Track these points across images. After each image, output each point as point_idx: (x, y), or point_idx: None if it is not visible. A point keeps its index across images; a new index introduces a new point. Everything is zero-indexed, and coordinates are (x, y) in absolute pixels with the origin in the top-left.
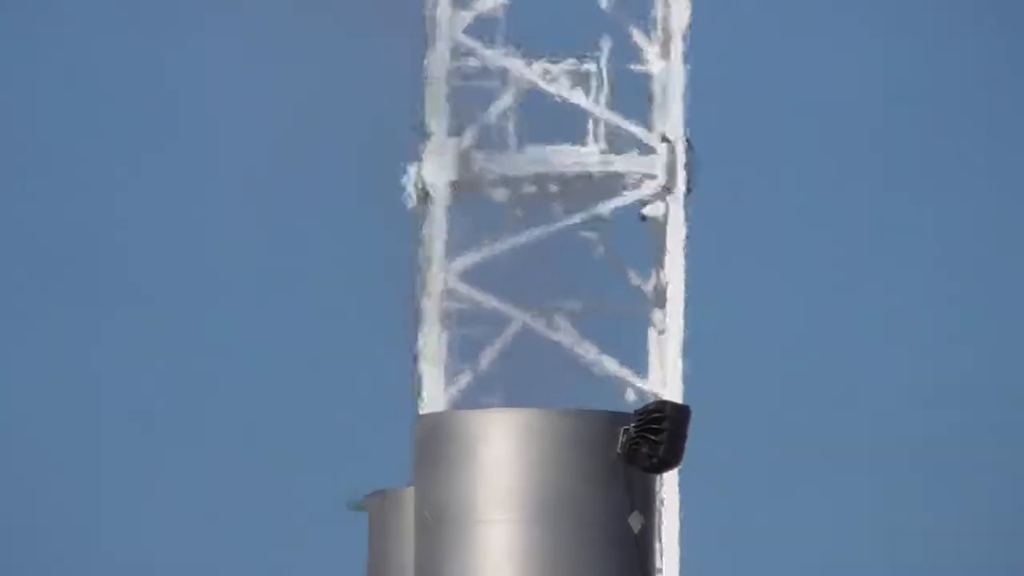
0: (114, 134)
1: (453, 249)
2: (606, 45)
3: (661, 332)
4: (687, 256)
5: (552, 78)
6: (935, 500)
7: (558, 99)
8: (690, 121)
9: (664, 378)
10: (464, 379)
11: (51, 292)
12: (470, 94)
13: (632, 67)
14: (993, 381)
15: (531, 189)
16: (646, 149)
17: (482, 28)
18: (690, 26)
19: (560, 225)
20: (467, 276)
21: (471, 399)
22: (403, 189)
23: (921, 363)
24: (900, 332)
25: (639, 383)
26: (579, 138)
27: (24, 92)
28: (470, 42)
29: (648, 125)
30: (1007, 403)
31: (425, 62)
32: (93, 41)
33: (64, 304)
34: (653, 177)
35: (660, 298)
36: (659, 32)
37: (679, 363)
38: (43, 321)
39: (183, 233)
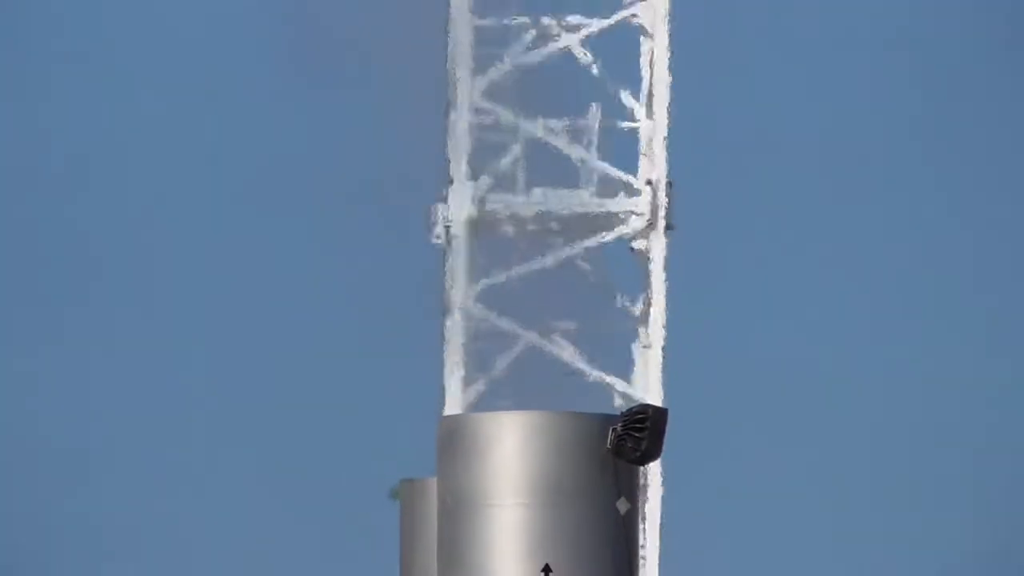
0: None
1: (471, 275)
2: (597, 106)
3: (645, 347)
4: (668, 282)
5: (553, 133)
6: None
7: (558, 151)
8: (674, 165)
9: (647, 385)
10: (479, 386)
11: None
12: (485, 146)
13: (621, 124)
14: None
15: (535, 226)
16: (633, 191)
17: (495, 91)
18: (671, 85)
19: (560, 256)
20: (482, 298)
21: (485, 403)
22: (430, 226)
23: (886, 375)
24: (864, 347)
25: (626, 389)
26: (576, 183)
27: None
28: (485, 103)
29: (635, 171)
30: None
31: (449, 119)
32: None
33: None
34: (640, 215)
35: (644, 318)
36: (644, 93)
37: (659, 373)
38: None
39: (247, 253)
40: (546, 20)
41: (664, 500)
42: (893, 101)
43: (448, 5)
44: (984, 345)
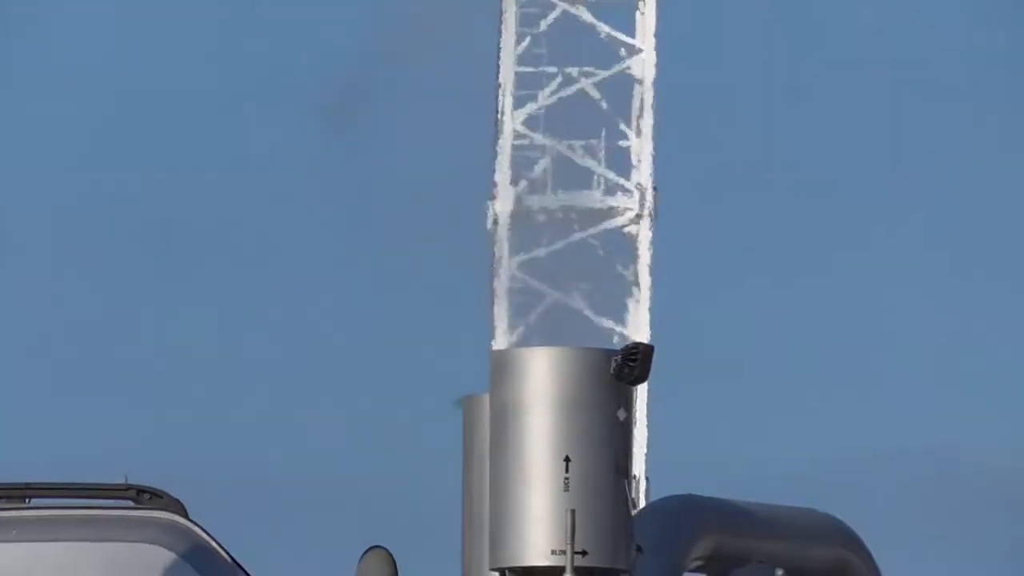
0: None
1: (512, 251)
2: (603, 131)
3: (636, 301)
4: (652, 256)
5: (572, 150)
6: None
7: (576, 163)
8: (657, 173)
9: (638, 328)
10: (519, 329)
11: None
12: (523, 160)
13: (620, 144)
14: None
15: (558, 217)
16: (628, 192)
17: (530, 121)
18: (654, 117)
19: (576, 237)
20: (521, 267)
21: (523, 341)
22: (484, 216)
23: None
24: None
25: (622, 331)
26: (588, 186)
27: None
28: (524, 129)
29: (629, 178)
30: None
31: (498, 142)
32: None
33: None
34: (632, 210)
35: (635, 281)
36: (635, 122)
37: (647, 319)
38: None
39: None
40: (568, 69)
41: (649, 408)
42: (866, 116)
43: (499, 57)
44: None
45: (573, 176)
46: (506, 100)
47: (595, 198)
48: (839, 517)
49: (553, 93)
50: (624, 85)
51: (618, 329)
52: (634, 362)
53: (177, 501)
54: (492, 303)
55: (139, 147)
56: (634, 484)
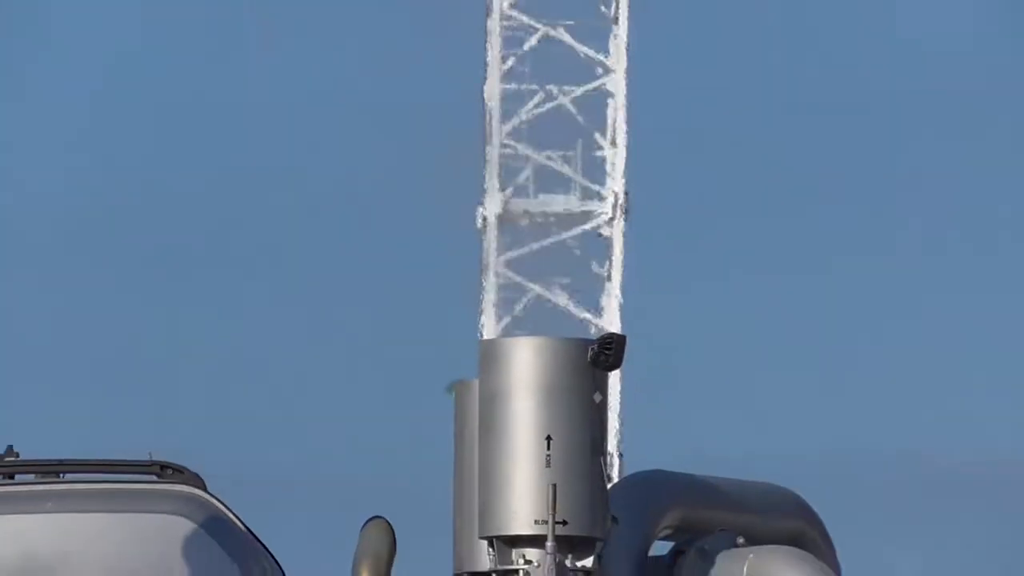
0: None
1: (499, 251)
2: (580, 142)
3: (610, 296)
4: (624, 256)
5: (552, 159)
6: None
7: (556, 171)
8: (629, 181)
9: (612, 321)
10: (505, 320)
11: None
12: (509, 168)
13: (595, 154)
14: None
15: (540, 220)
16: (602, 198)
17: (515, 133)
18: (626, 130)
19: (556, 238)
20: (506, 265)
21: (508, 332)
22: (475, 218)
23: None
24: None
25: (598, 323)
26: (567, 191)
27: None
28: (509, 140)
29: (604, 185)
30: None
31: (486, 151)
32: None
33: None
34: (605, 213)
35: (608, 278)
36: (609, 134)
37: (619, 313)
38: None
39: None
40: (548, 87)
41: (622, 392)
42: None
43: (485, 75)
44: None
45: (553, 183)
46: (492, 115)
47: (572, 203)
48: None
49: (535, 108)
50: (599, 101)
51: (594, 321)
52: (609, 350)
53: (197, 476)
54: (480, 297)
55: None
56: (609, 461)
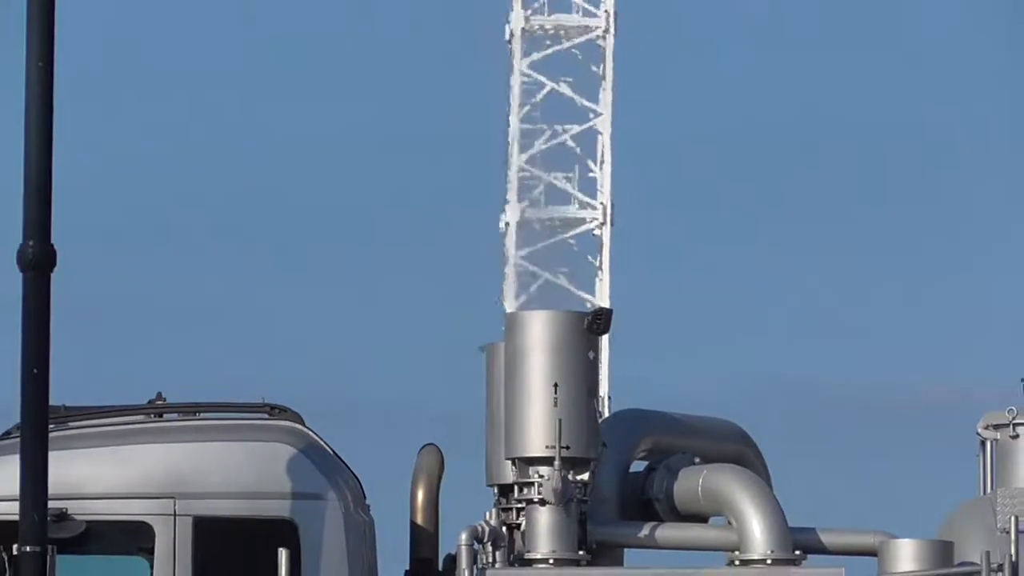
0: None
1: (517, 247)
2: (577, 167)
3: (600, 280)
4: (611, 251)
5: (558, 179)
6: None
7: (560, 188)
8: (615, 195)
9: (602, 298)
10: (522, 299)
11: None
12: (525, 186)
13: (589, 174)
14: None
15: (549, 224)
16: (595, 208)
17: (531, 160)
18: (611, 159)
19: (560, 237)
20: (523, 257)
21: (525, 307)
22: (499, 223)
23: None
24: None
25: (592, 299)
26: (568, 203)
27: None
28: (526, 166)
29: (595, 198)
30: None
31: (508, 173)
32: None
33: None
34: (597, 220)
35: (600, 267)
36: (599, 160)
37: (607, 292)
38: None
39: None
40: (555, 126)
41: (611, 350)
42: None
43: (508, 117)
44: None
45: (558, 197)
46: (513, 147)
47: (572, 211)
48: (738, 424)
49: (544, 142)
50: (591, 137)
51: (589, 298)
52: (600, 321)
53: (296, 413)
54: (503, 280)
55: None
56: (600, 402)
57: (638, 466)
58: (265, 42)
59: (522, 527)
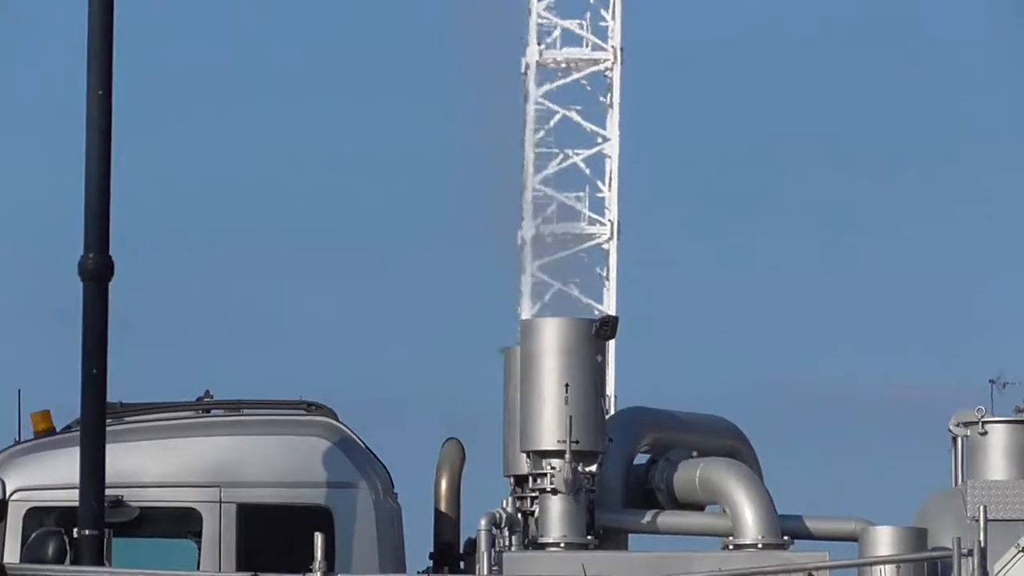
0: None
1: (533, 259)
2: (587, 187)
3: (607, 290)
4: (617, 263)
5: (568, 198)
6: None
7: (571, 207)
8: (622, 214)
9: (610, 306)
10: (537, 306)
11: None
12: (539, 204)
13: (598, 195)
14: None
15: (561, 237)
16: (603, 225)
17: (545, 181)
18: (618, 180)
19: (572, 251)
20: (538, 268)
21: (540, 314)
22: (516, 238)
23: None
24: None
25: (600, 308)
26: (578, 220)
27: None
28: (540, 186)
29: (603, 216)
30: None
31: (524, 195)
32: None
33: None
34: (605, 235)
35: (607, 277)
36: (607, 182)
37: (615, 301)
38: None
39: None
40: (566, 150)
41: (617, 353)
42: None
43: (523, 143)
44: None
45: (569, 214)
46: (528, 169)
47: (582, 227)
48: (733, 423)
49: (557, 165)
50: (600, 160)
51: (597, 306)
52: (607, 327)
53: (331, 410)
54: (519, 289)
55: None
56: (607, 400)
57: (641, 459)
58: (304, 64)
59: (536, 514)
